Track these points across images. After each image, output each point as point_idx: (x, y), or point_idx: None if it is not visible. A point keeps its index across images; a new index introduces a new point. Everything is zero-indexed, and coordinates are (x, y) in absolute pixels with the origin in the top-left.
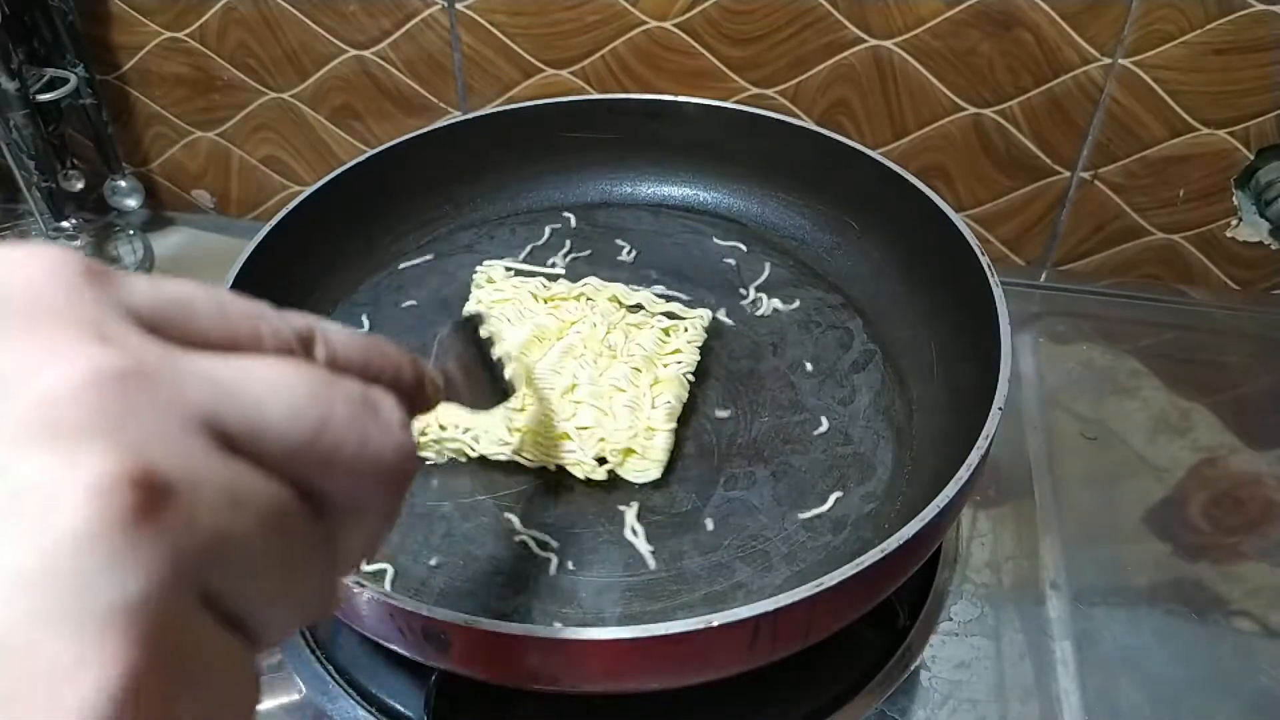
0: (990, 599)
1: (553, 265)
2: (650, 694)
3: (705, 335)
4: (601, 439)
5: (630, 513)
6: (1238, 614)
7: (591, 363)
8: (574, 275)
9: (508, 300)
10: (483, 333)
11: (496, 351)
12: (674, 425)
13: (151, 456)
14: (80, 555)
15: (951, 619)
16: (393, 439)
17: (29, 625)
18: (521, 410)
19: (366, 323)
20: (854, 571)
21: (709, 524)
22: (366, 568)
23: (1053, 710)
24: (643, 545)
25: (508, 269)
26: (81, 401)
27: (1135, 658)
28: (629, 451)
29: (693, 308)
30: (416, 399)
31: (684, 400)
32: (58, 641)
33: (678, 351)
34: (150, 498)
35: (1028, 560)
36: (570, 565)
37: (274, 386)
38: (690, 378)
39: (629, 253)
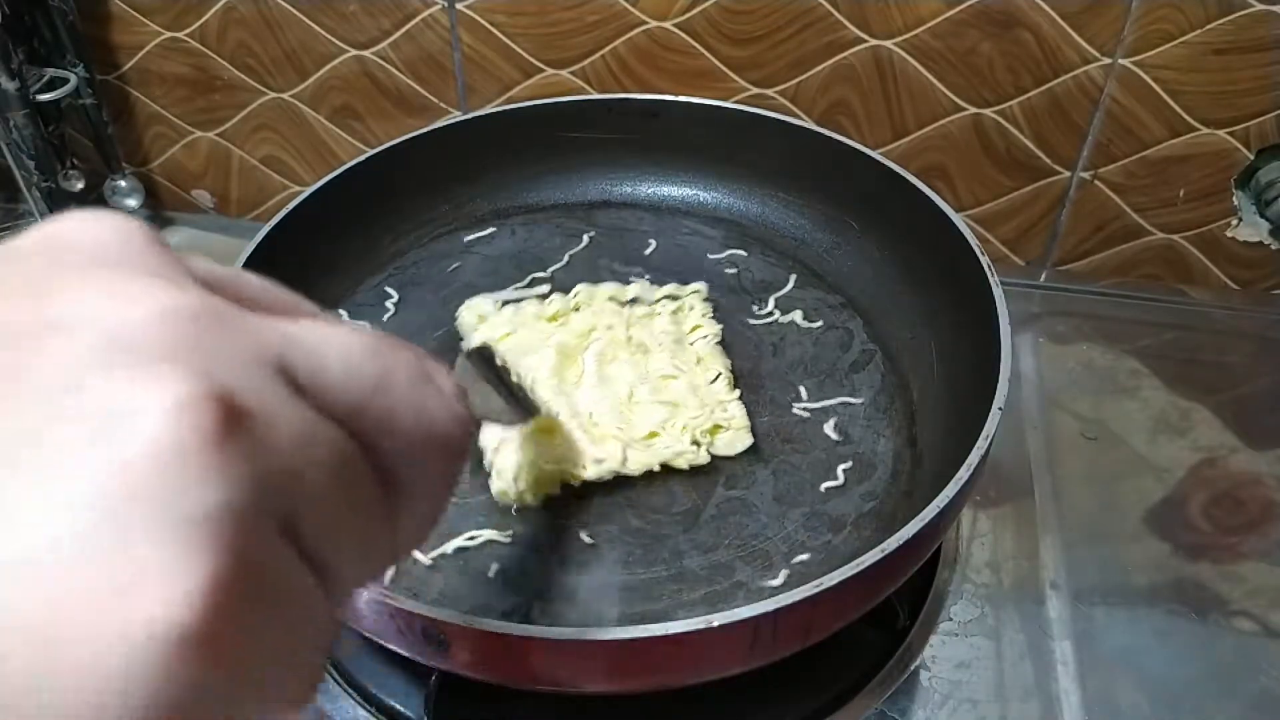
0: (990, 599)
1: (553, 267)
2: (650, 694)
3: (711, 305)
4: (685, 426)
5: (631, 512)
6: (1238, 614)
7: (629, 362)
8: (574, 276)
9: (511, 333)
10: (497, 360)
11: (512, 376)
12: (738, 392)
13: (228, 383)
14: (163, 468)
15: (951, 619)
16: (449, 407)
17: (113, 533)
18: (596, 421)
19: (367, 324)
20: (854, 571)
21: (709, 523)
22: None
23: (1053, 710)
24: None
25: (495, 299)
26: (157, 331)
27: (1135, 658)
28: (716, 428)
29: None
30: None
31: (730, 367)
32: (141, 548)
33: (698, 327)
34: (230, 417)
35: (1028, 560)
36: (570, 565)
37: (336, 343)
38: (720, 345)
39: (629, 253)
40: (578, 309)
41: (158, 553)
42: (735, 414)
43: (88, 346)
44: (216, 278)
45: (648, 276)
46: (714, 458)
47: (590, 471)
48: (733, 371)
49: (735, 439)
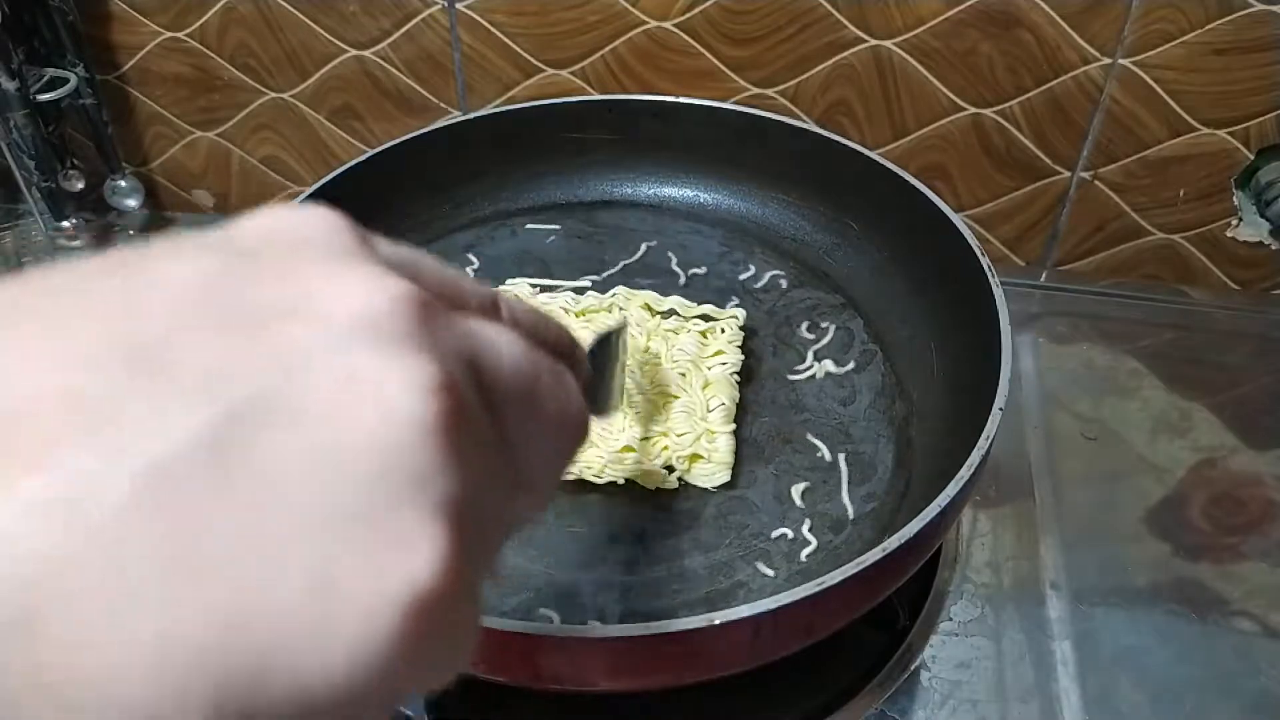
0: (990, 599)
1: (553, 268)
2: (651, 693)
3: (743, 334)
4: (665, 448)
5: (633, 511)
6: (1238, 614)
7: (638, 371)
8: (574, 276)
9: None
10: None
11: (618, 366)
12: (733, 427)
13: (455, 374)
14: (419, 446)
15: (952, 619)
16: (577, 403)
17: (371, 500)
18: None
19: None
20: (855, 571)
21: (710, 522)
22: None
23: (1053, 710)
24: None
25: (532, 285)
26: (398, 315)
27: (1135, 658)
28: (695, 457)
29: (723, 308)
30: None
31: (736, 400)
32: (396, 521)
33: (720, 353)
34: (462, 407)
35: (1028, 560)
36: (571, 563)
37: (506, 344)
38: (737, 378)
39: (629, 254)
40: (609, 310)
41: (416, 517)
42: (721, 447)
43: (336, 327)
44: (401, 260)
45: (658, 285)
46: (685, 485)
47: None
48: (739, 405)
49: (713, 472)
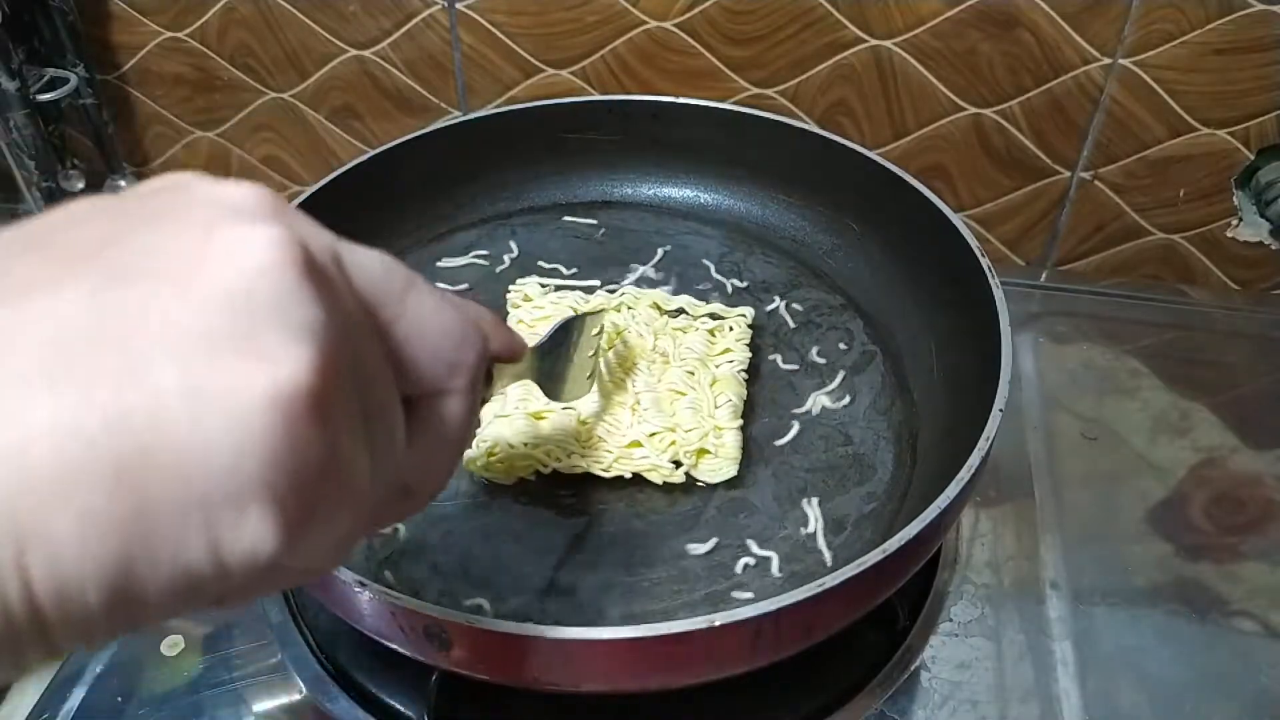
0: (990, 599)
1: (555, 269)
2: (651, 694)
3: (751, 332)
4: (673, 442)
5: (633, 512)
6: (1238, 614)
7: (646, 369)
8: (575, 276)
9: (548, 317)
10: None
11: (584, 351)
12: (740, 423)
13: (308, 242)
14: (278, 282)
15: (952, 619)
16: (473, 325)
17: (234, 324)
18: (588, 419)
19: None
20: (855, 572)
21: (710, 523)
22: (382, 531)
23: (1053, 711)
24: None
25: (542, 284)
26: (257, 204)
27: (1135, 658)
28: (702, 452)
29: (733, 305)
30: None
31: (744, 398)
32: (266, 337)
33: (728, 351)
34: (313, 261)
35: (1028, 560)
36: (571, 565)
37: (375, 253)
38: (744, 375)
39: (629, 254)
40: (617, 309)
41: (278, 340)
42: (728, 442)
43: (207, 208)
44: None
45: (657, 285)
46: (691, 479)
47: (562, 464)
48: (746, 402)
49: (719, 467)
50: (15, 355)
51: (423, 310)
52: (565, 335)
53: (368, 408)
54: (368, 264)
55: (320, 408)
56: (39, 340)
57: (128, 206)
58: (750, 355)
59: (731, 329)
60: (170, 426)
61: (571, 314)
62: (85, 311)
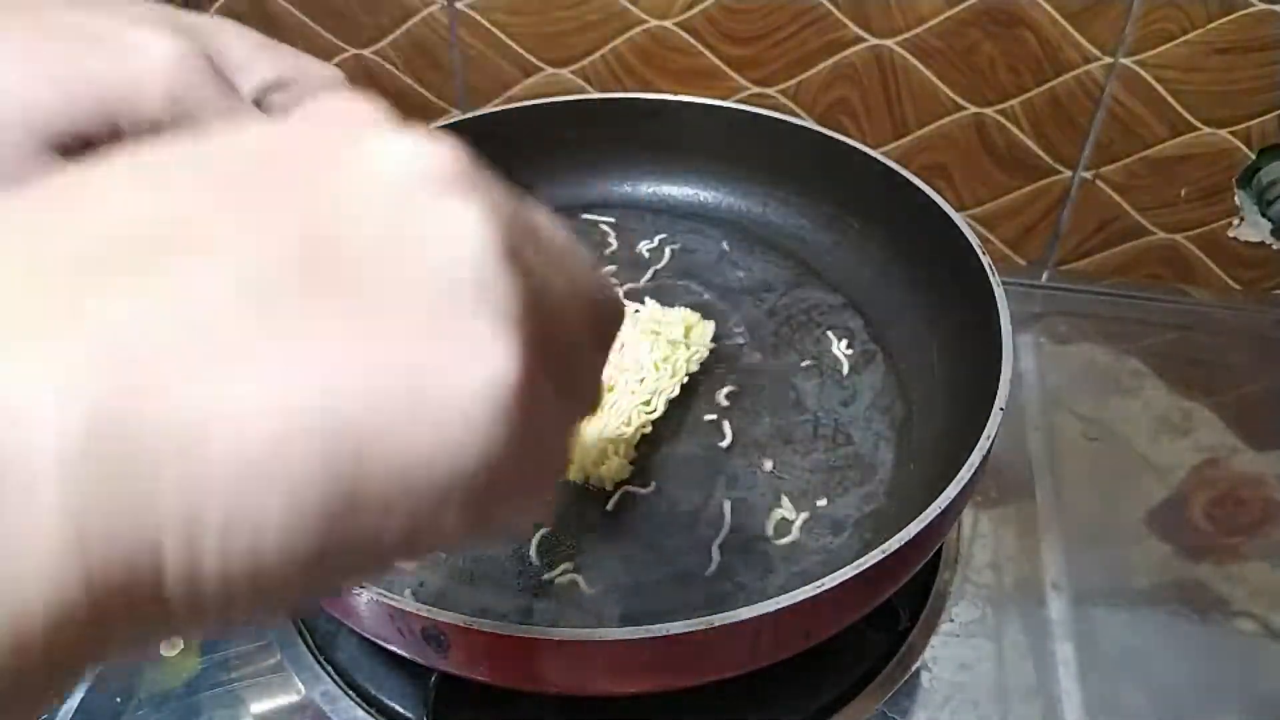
0: (991, 600)
1: None
2: (650, 695)
3: (710, 348)
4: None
5: (633, 512)
6: (1240, 615)
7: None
8: None
9: None
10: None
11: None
12: (637, 426)
13: (507, 215)
14: (479, 269)
15: (952, 620)
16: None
17: (451, 314)
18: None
19: None
20: (855, 573)
21: (709, 524)
22: None
23: (1054, 711)
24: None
25: None
26: (454, 170)
27: (1137, 659)
28: (602, 459)
29: (693, 309)
30: None
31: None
32: (472, 326)
33: (668, 359)
34: (512, 238)
35: (1029, 561)
36: (571, 566)
37: (566, 239)
38: (687, 376)
39: (629, 253)
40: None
41: (486, 330)
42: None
43: (399, 173)
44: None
45: (658, 285)
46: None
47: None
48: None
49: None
50: (223, 329)
51: (594, 282)
52: None
53: (565, 384)
54: (547, 228)
55: (527, 397)
56: (256, 314)
57: (298, 152)
58: (690, 371)
59: (675, 343)
60: (387, 421)
61: None
62: (290, 280)
